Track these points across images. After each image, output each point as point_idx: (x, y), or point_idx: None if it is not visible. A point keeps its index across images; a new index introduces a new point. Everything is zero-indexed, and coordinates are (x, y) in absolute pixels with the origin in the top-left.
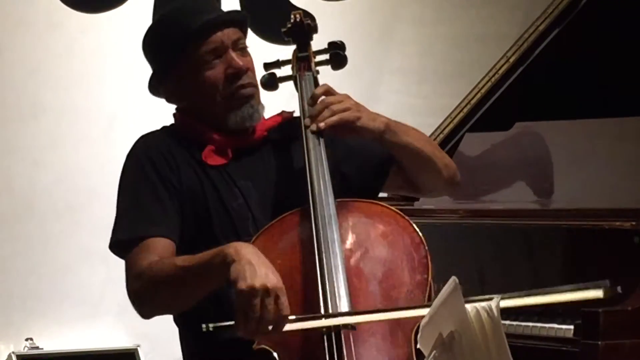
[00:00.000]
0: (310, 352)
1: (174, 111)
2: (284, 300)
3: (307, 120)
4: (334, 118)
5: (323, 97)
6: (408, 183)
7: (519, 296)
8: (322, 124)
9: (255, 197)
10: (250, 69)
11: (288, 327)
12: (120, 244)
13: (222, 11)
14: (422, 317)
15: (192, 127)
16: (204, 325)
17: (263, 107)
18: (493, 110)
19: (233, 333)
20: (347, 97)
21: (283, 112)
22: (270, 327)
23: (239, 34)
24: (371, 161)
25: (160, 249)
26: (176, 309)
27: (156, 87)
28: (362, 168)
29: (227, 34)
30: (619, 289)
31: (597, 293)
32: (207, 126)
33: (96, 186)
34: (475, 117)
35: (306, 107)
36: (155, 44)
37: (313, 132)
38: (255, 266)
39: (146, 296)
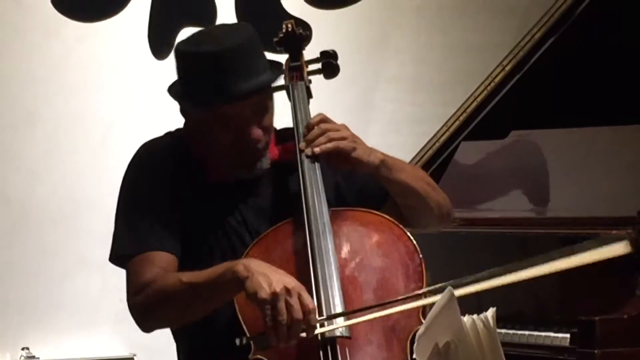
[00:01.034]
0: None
1: (184, 114)
2: (307, 296)
3: (302, 144)
4: (330, 145)
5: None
6: (401, 218)
7: (539, 262)
8: (317, 149)
9: (253, 213)
10: (267, 130)
11: (318, 330)
12: (124, 258)
13: (262, 67)
14: (418, 323)
15: (197, 149)
16: (237, 340)
17: (269, 154)
18: (489, 118)
19: (268, 343)
20: (345, 127)
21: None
22: (302, 328)
23: (265, 100)
24: (368, 190)
25: (162, 263)
26: (178, 324)
27: (176, 99)
28: (358, 194)
29: (254, 104)
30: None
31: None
32: (212, 158)
33: (93, 195)
34: (471, 125)
35: (299, 117)
36: (188, 74)
37: (308, 157)
38: (269, 275)
39: (149, 310)
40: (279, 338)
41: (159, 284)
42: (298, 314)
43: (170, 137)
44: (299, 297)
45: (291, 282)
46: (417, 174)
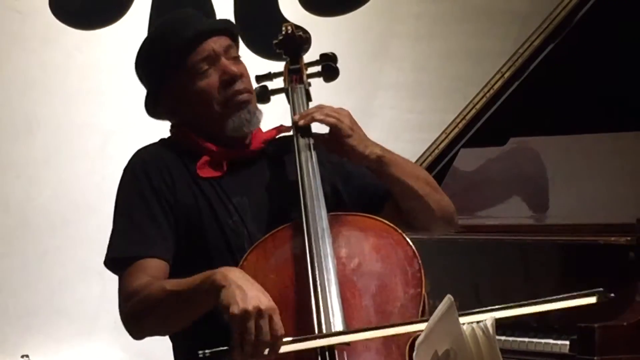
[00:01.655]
0: None
1: (170, 127)
2: (278, 320)
3: (296, 117)
4: (321, 116)
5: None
6: (402, 219)
7: (514, 307)
8: (309, 118)
9: (251, 214)
10: (244, 75)
11: (284, 348)
12: (114, 262)
13: (212, 21)
14: (416, 331)
15: (188, 138)
16: (200, 352)
17: (261, 113)
18: (488, 125)
19: (230, 358)
20: (347, 113)
21: (281, 125)
22: (266, 351)
23: (229, 42)
24: (368, 191)
25: (153, 270)
26: (165, 332)
27: (153, 107)
28: (357, 196)
29: (218, 42)
30: (611, 295)
31: (590, 300)
32: (204, 137)
33: (92, 202)
34: (471, 132)
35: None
36: (146, 62)
37: (300, 130)
38: (245, 290)
39: (135, 318)
40: (242, 356)
41: (146, 292)
42: (266, 336)
43: (161, 142)
44: (270, 320)
45: (266, 302)
46: (417, 173)
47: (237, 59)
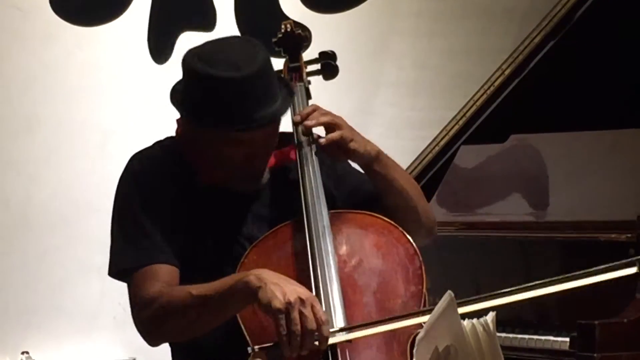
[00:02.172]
0: None
1: (178, 119)
2: (319, 307)
3: (297, 117)
4: (324, 119)
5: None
6: None
7: (547, 283)
8: (311, 122)
9: (251, 220)
10: (269, 153)
11: (332, 340)
12: (126, 272)
13: (274, 95)
14: (418, 327)
15: (190, 156)
16: (249, 348)
17: (267, 173)
18: (488, 122)
19: (281, 354)
20: (342, 120)
21: (285, 138)
22: (316, 341)
23: (273, 130)
24: (358, 195)
25: (165, 276)
26: (188, 337)
27: (184, 108)
28: (348, 198)
29: (262, 134)
30: None
31: (630, 270)
32: (208, 167)
33: (92, 200)
34: (471, 129)
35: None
36: (195, 94)
37: (303, 133)
38: (282, 285)
39: (158, 325)
40: (292, 348)
41: (167, 298)
42: (312, 324)
43: (160, 147)
44: (312, 307)
45: (304, 292)
46: (408, 177)
47: (276, 137)
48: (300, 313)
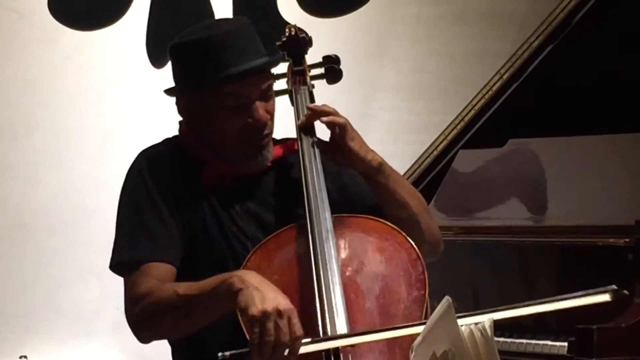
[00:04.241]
0: None
1: (180, 120)
2: (297, 321)
3: (303, 120)
4: (327, 116)
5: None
6: None
7: (522, 306)
8: (318, 111)
9: (254, 221)
10: (271, 117)
11: (303, 349)
12: (122, 266)
13: (261, 50)
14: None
15: (196, 148)
16: (220, 354)
17: (272, 149)
18: (487, 127)
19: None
20: (348, 120)
21: (288, 140)
22: (286, 352)
23: (270, 81)
24: (363, 204)
25: (160, 274)
26: (175, 336)
27: (173, 92)
28: (352, 207)
29: (259, 84)
30: (625, 291)
31: (603, 297)
32: (213, 152)
33: (90, 203)
34: (469, 133)
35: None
36: (187, 62)
37: (304, 131)
38: (263, 291)
39: (145, 322)
40: (262, 357)
41: (156, 295)
42: (285, 337)
43: (167, 143)
44: (289, 321)
45: (284, 303)
46: (413, 191)
47: (270, 97)
48: (275, 325)
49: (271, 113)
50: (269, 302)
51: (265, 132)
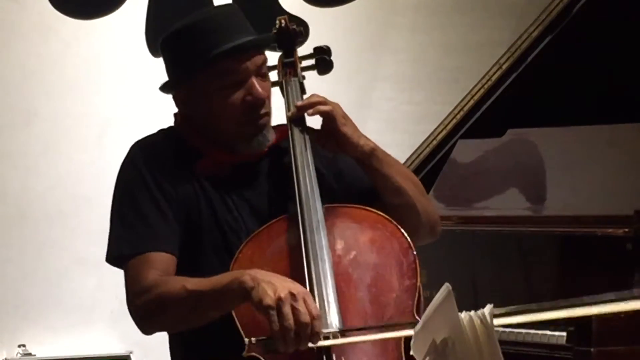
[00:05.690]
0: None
1: (175, 112)
2: (311, 301)
3: (292, 111)
4: (317, 98)
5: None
6: None
7: (554, 308)
8: (302, 103)
9: (249, 211)
10: (268, 96)
11: (325, 342)
12: (123, 259)
13: (252, 31)
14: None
15: (192, 138)
16: (245, 339)
17: (272, 131)
18: (486, 117)
19: (276, 349)
20: (338, 105)
21: (281, 126)
22: (308, 332)
23: (263, 58)
24: (359, 190)
25: (162, 264)
26: (181, 329)
27: (168, 87)
28: (348, 193)
29: (254, 60)
30: None
31: None
32: (209, 141)
33: (89, 193)
34: (468, 123)
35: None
36: (178, 50)
37: (295, 122)
38: (274, 282)
39: (150, 315)
40: (287, 343)
41: (162, 289)
42: (305, 317)
43: (162, 134)
44: (305, 301)
45: (296, 287)
46: (408, 174)
47: (265, 76)
48: (293, 307)
49: (268, 92)
50: (281, 289)
51: (264, 110)
